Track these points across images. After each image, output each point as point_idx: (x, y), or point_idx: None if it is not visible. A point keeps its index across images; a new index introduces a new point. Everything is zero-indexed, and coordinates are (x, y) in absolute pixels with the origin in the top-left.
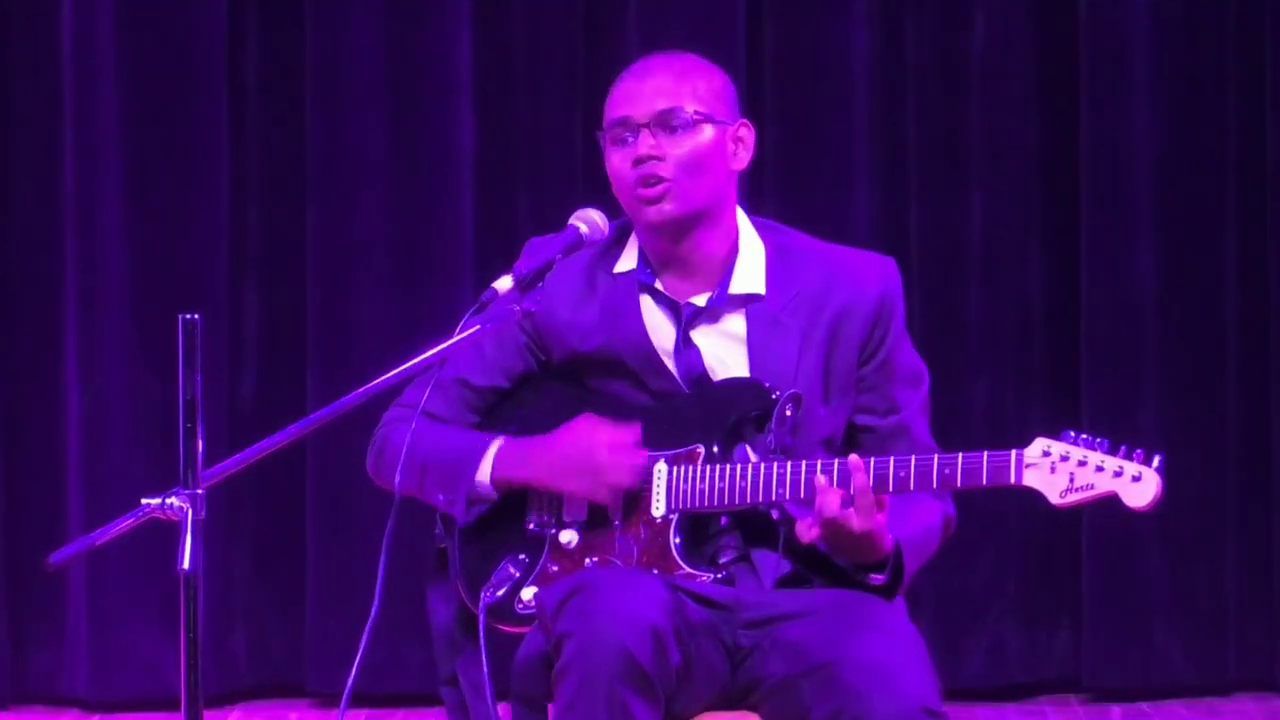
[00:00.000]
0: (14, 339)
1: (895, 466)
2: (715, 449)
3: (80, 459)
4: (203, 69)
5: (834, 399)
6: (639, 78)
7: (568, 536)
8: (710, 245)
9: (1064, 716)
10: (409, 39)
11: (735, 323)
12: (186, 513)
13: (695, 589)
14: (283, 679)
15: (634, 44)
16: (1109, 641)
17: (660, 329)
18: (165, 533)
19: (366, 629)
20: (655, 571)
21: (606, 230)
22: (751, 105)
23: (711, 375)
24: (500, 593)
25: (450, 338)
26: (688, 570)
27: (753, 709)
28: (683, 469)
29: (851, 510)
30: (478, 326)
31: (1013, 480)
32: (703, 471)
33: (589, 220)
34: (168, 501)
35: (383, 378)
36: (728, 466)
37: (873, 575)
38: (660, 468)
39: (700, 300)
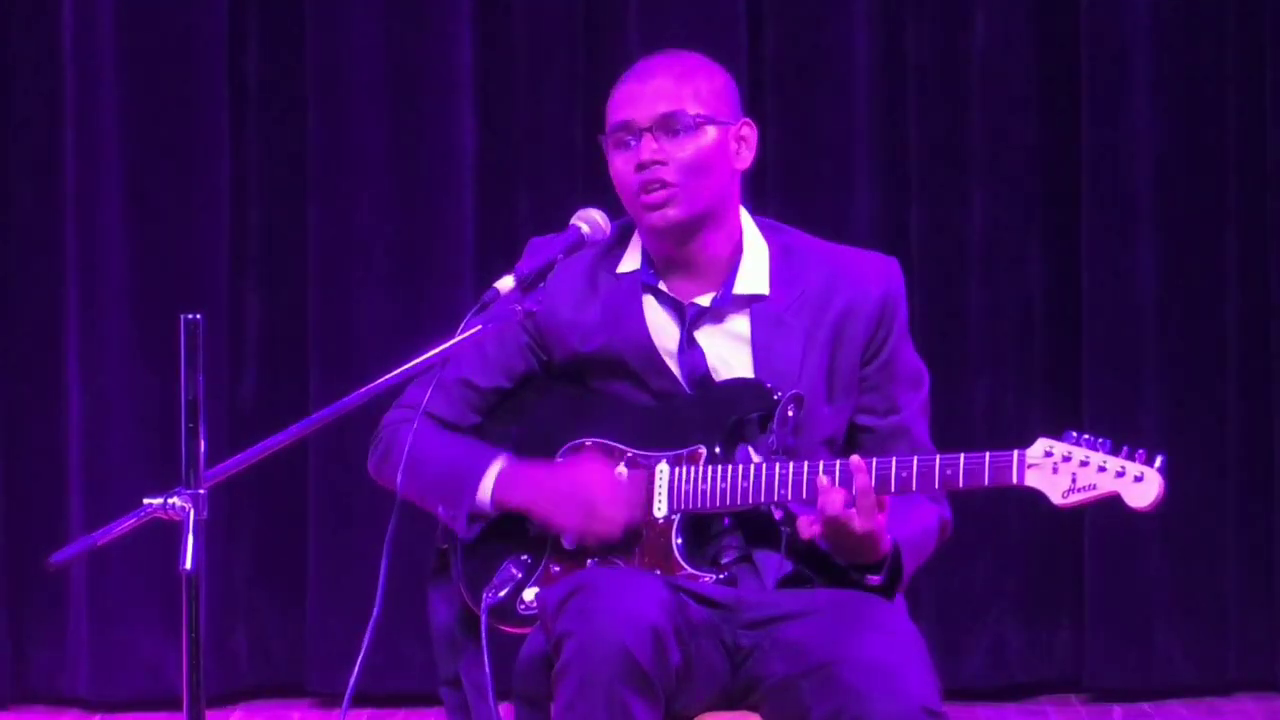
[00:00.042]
0: (15, 339)
1: (897, 467)
2: (717, 450)
3: (81, 459)
4: (203, 69)
5: (837, 398)
6: (640, 80)
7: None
8: (714, 246)
9: (1065, 716)
10: (410, 39)
11: (739, 323)
12: (188, 513)
13: (697, 589)
14: (284, 679)
15: (634, 44)
16: (1110, 641)
17: (664, 329)
18: (167, 533)
19: (368, 629)
20: (657, 572)
21: (608, 230)
22: (752, 105)
23: (714, 375)
24: (502, 593)
25: (452, 338)
26: (690, 571)
27: (753, 709)
28: (684, 470)
29: (853, 510)
30: (479, 326)
31: (1015, 480)
32: (704, 472)
33: (590, 220)
34: (169, 501)
35: (384, 378)
36: (729, 467)
37: (870, 576)
38: (662, 468)
39: (704, 300)
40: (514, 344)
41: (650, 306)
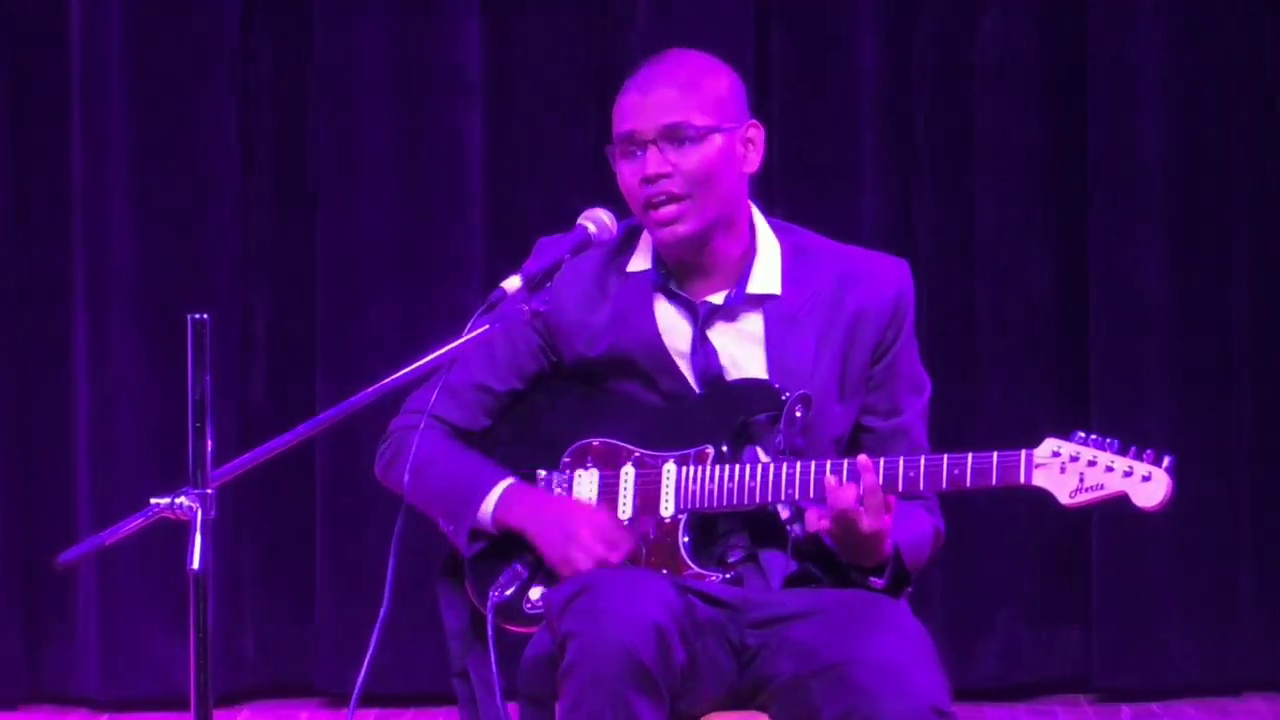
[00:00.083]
0: (24, 339)
1: (905, 466)
2: (725, 449)
3: (89, 459)
4: (212, 69)
5: (847, 398)
6: (643, 90)
7: None
8: (726, 248)
9: (1074, 716)
10: (417, 38)
11: (753, 322)
12: (196, 512)
13: (704, 589)
14: (292, 678)
15: (643, 43)
16: (1119, 641)
17: (676, 329)
18: (175, 532)
19: (376, 628)
20: (664, 571)
21: (615, 229)
22: (759, 105)
23: (726, 375)
24: (508, 592)
25: (459, 338)
26: (696, 570)
27: (761, 709)
28: (692, 469)
29: (861, 509)
30: (487, 326)
31: (1022, 480)
32: (712, 472)
33: (597, 220)
34: (177, 501)
35: (392, 378)
36: (737, 467)
37: (872, 578)
38: (669, 468)
39: (717, 299)
40: (525, 346)
41: (661, 306)
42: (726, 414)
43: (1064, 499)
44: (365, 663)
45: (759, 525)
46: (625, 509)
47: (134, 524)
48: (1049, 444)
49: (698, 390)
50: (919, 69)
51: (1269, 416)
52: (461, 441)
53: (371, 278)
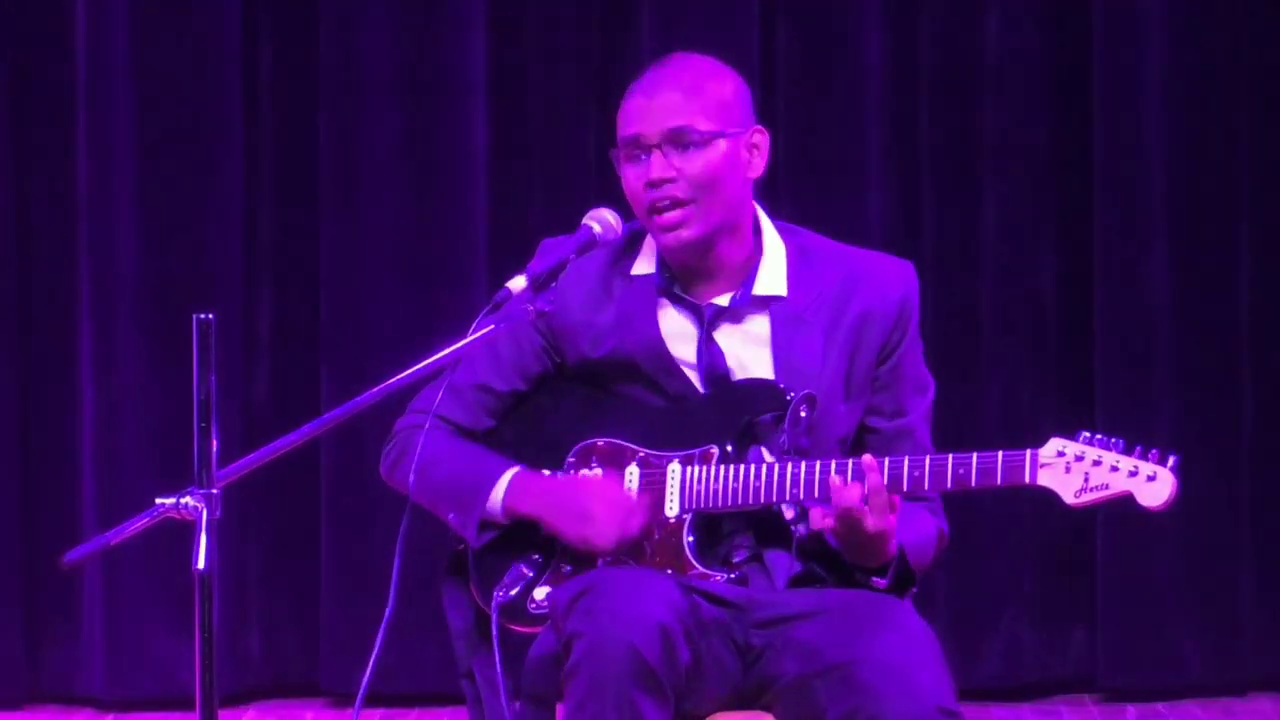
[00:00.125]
0: (29, 339)
1: (910, 466)
2: (729, 449)
3: (94, 459)
4: (217, 68)
5: (853, 398)
6: (648, 94)
7: None
8: (730, 252)
9: (1079, 716)
10: (422, 38)
11: (759, 323)
12: (201, 512)
13: (708, 589)
14: (297, 678)
15: (648, 44)
16: (1124, 641)
17: (679, 332)
18: (180, 532)
19: (381, 628)
20: (669, 571)
21: (620, 230)
22: (764, 105)
23: (732, 376)
24: (513, 592)
25: (464, 338)
26: (701, 570)
27: (766, 709)
28: (696, 469)
29: (866, 508)
30: (491, 327)
31: (1027, 480)
32: (716, 472)
33: (602, 220)
34: (182, 501)
35: (397, 377)
36: (741, 467)
37: (876, 579)
38: (674, 468)
39: (722, 300)
40: (529, 347)
41: (666, 311)
42: (731, 414)
43: (1069, 499)
44: (370, 662)
45: (764, 525)
46: None
47: (139, 524)
48: (1054, 444)
49: (703, 391)
50: (924, 67)
51: (1274, 417)
52: (466, 439)
53: (375, 278)
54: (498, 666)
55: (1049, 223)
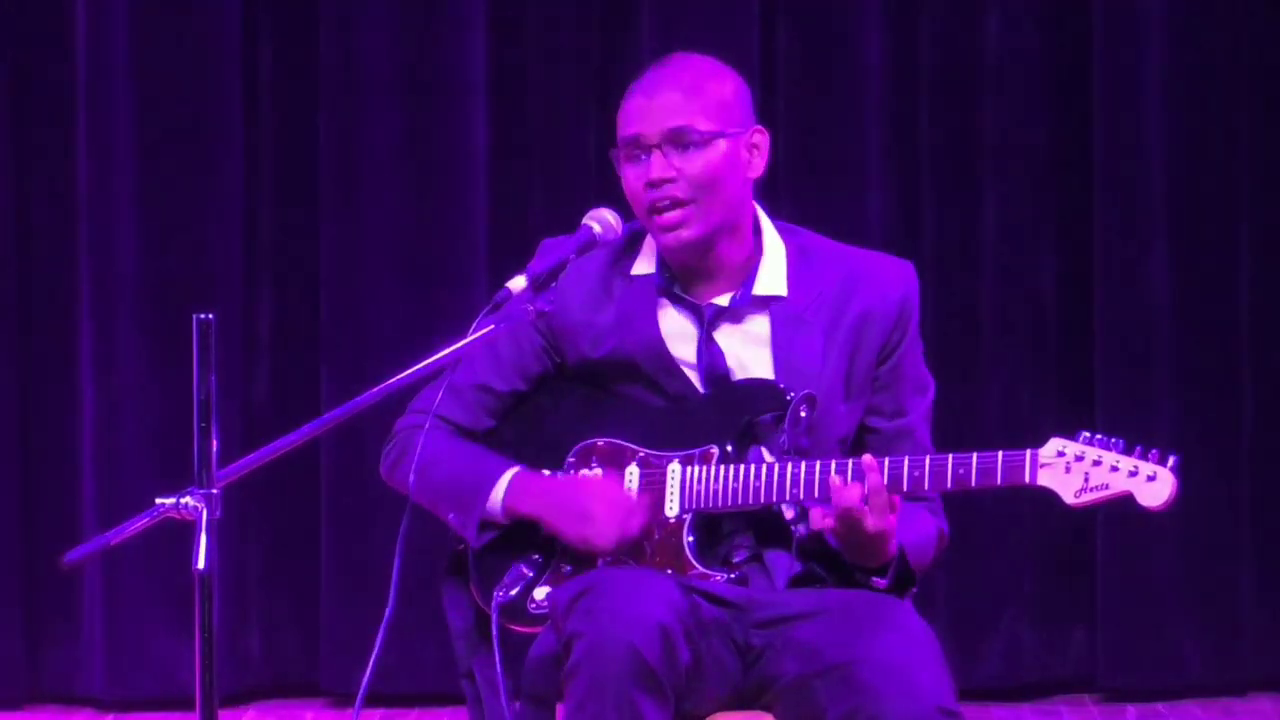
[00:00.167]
0: (29, 339)
1: (910, 466)
2: (729, 449)
3: (94, 458)
4: (217, 68)
5: (853, 398)
6: (648, 94)
7: None
8: (730, 253)
9: (1079, 716)
10: (423, 38)
11: (759, 323)
12: (201, 512)
13: (708, 589)
14: (297, 678)
15: (648, 44)
16: (1124, 641)
17: (679, 333)
18: (180, 532)
19: (381, 628)
20: (669, 571)
21: (620, 230)
22: (764, 105)
23: (732, 376)
24: (513, 592)
25: (464, 338)
26: (701, 570)
27: (766, 709)
28: (696, 469)
29: (866, 508)
30: (491, 326)
31: (1027, 480)
32: (716, 471)
33: (602, 220)
34: (182, 501)
35: (397, 377)
36: (741, 467)
37: (876, 579)
38: (674, 468)
39: (722, 300)
40: (529, 347)
41: (666, 311)
42: (731, 414)
43: (1069, 499)
44: (370, 662)
45: (764, 525)
46: None
47: (139, 524)
48: (1054, 443)
49: (703, 391)
50: (924, 67)
51: (1274, 417)
52: (466, 439)
53: (375, 278)
54: (498, 666)
55: (1049, 223)
